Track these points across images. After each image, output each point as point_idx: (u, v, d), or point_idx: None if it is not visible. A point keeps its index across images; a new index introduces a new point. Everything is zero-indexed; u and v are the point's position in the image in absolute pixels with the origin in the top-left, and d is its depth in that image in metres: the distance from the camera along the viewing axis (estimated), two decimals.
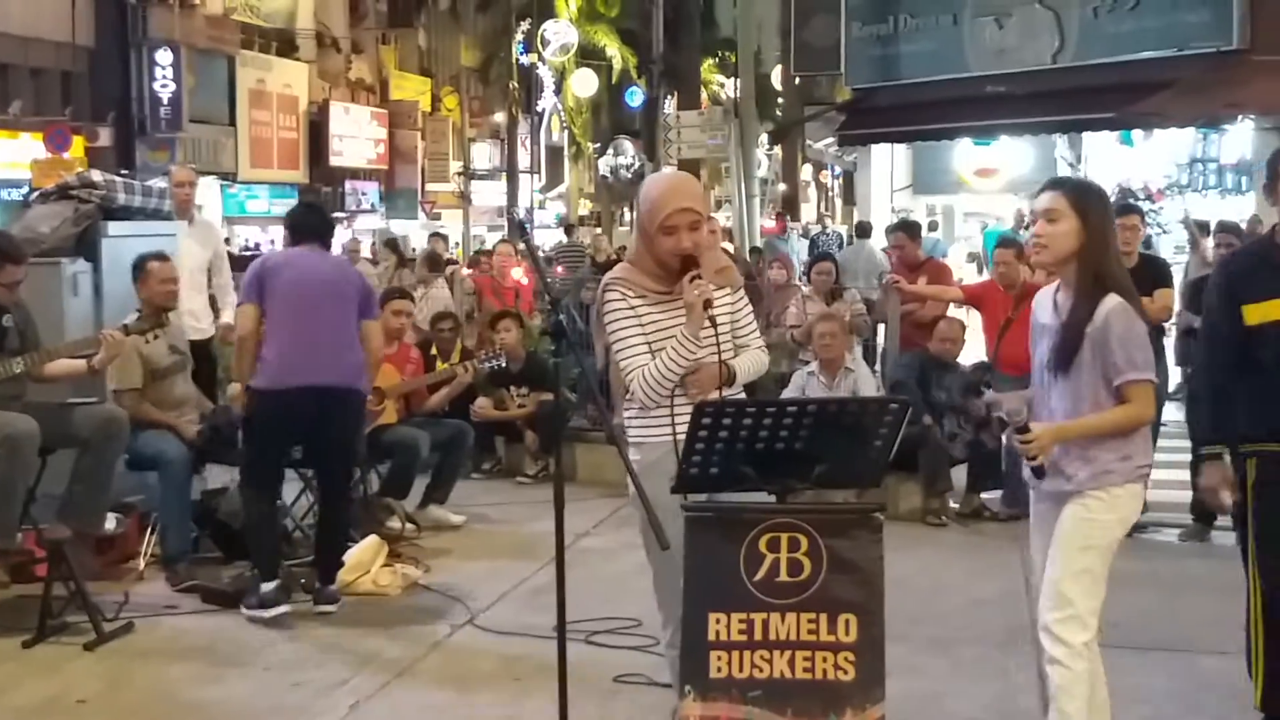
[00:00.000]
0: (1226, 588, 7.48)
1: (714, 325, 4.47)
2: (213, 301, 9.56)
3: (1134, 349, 4.36)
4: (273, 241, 39.40)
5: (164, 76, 29.28)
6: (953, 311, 10.37)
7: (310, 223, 7.37)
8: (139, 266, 7.67)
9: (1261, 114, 17.41)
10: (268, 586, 6.82)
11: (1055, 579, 4.46)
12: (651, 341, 4.58)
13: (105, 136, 26.56)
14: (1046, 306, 4.65)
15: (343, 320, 7.02)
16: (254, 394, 6.95)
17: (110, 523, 7.33)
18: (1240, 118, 18.07)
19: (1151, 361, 4.43)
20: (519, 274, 13.60)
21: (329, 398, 6.86)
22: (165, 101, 29.30)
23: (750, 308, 4.89)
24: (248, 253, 35.33)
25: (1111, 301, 4.37)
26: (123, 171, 14.07)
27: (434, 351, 10.01)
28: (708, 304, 4.45)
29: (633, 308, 4.63)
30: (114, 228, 8.31)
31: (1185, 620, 6.73)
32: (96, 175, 8.60)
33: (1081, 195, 4.53)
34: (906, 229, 11.65)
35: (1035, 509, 4.71)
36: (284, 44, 38.26)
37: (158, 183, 9.28)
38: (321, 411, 6.87)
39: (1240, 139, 22.31)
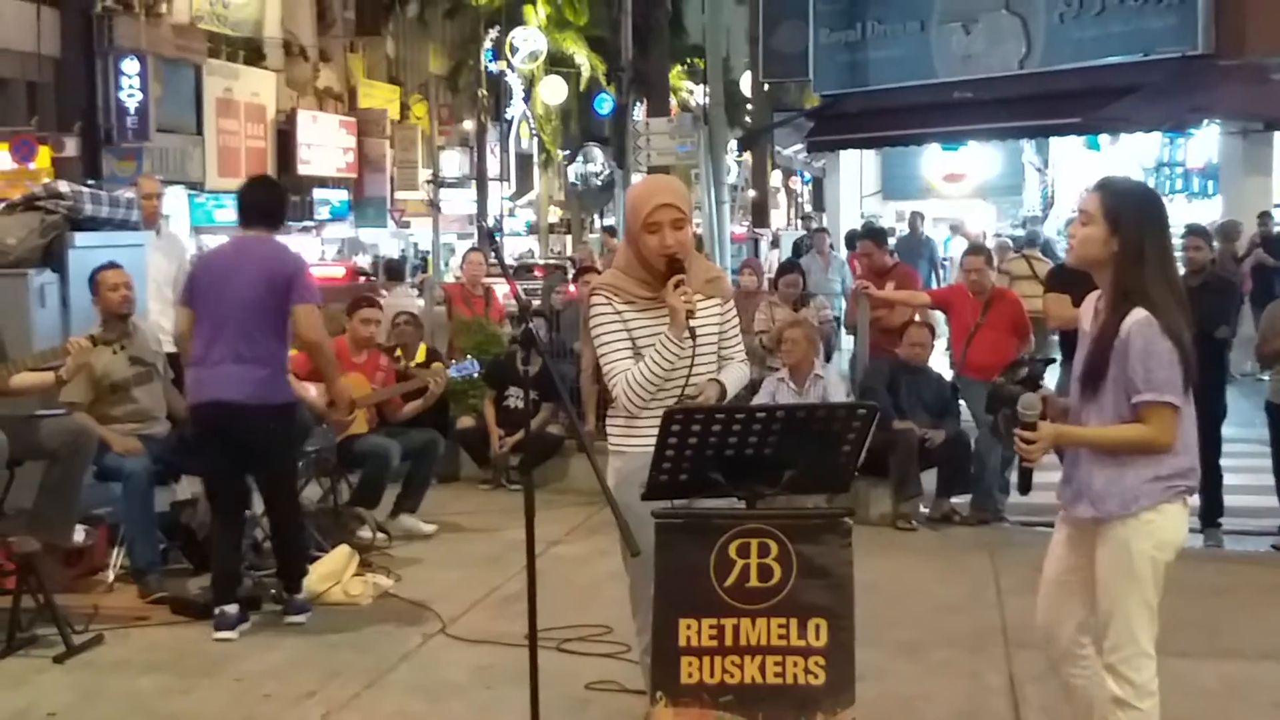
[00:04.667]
0: (1192, 589, 7.56)
1: (693, 336, 4.51)
2: None
3: (1154, 367, 4.09)
4: None
5: (130, 86, 29.20)
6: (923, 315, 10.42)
7: (255, 202, 7.01)
8: (91, 279, 7.63)
9: (1227, 118, 17.57)
10: (221, 609, 6.69)
11: (1113, 618, 4.25)
12: (639, 347, 4.60)
13: (71, 147, 26.49)
14: (1088, 314, 4.40)
15: (256, 328, 6.66)
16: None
17: (79, 535, 7.30)
18: (1206, 122, 18.24)
19: (1174, 383, 4.11)
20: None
21: (232, 412, 6.61)
22: (132, 111, 29.22)
23: (737, 320, 4.90)
24: None
25: (1137, 315, 4.11)
26: (89, 182, 14.03)
27: (398, 353, 10.03)
28: (690, 314, 4.48)
29: (618, 312, 4.64)
30: (81, 238, 8.28)
31: None
32: (63, 186, 8.57)
33: (1117, 199, 4.24)
34: (873, 236, 11.70)
35: (1060, 529, 4.49)
36: (251, 53, 38.17)
37: (125, 193, 9.24)
38: (231, 426, 6.66)
39: (1206, 143, 22.46)
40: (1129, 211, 4.21)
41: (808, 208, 55.03)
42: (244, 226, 6.94)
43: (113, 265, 7.72)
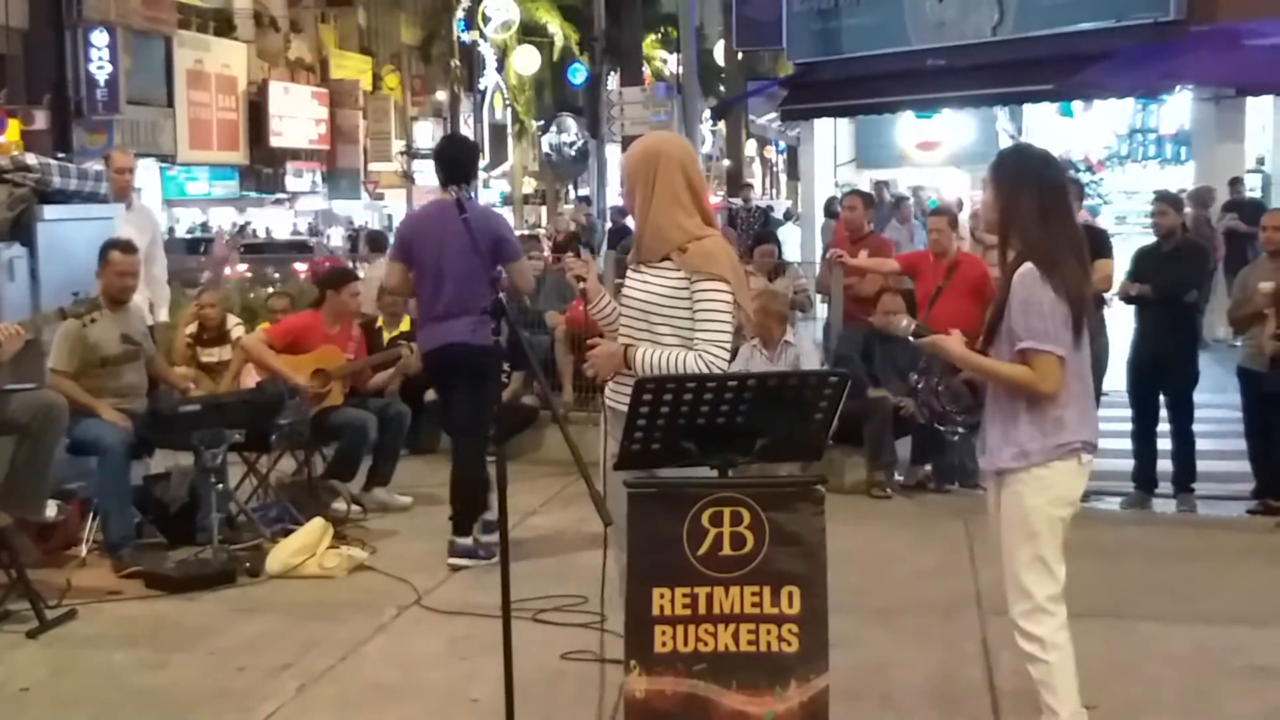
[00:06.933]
0: (1165, 554, 7.65)
1: (584, 297, 4.81)
2: None
3: (1033, 317, 4.22)
4: (216, 226, 39.04)
5: (100, 58, 29.02)
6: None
7: (451, 161, 7.51)
8: (103, 252, 7.65)
9: (1199, 84, 17.57)
10: (452, 539, 7.34)
11: (1010, 573, 4.40)
12: None
13: (41, 119, 26.32)
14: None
15: (470, 282, 7.17)
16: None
17: (51, 510, 7.28)
18: (1178, 88, 18.25)
19: (1056, 334, 4.22)
20: None
21: (456, 351, 7.21)
22: (102, 83, 29.04)
23: (717, 301, 4.52)
24: (190, 235, 35.18)
25: (1022, 268, 4.27)
26: (59, 155, 13.94)
27: (380, 324, 10.00)
28: (579, 278, 4.78)
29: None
30: (50, 211, 8.23)
31: (1123, 587, 6.82)
32: (31, 159, 8.51)
33: (997, 163, 4.48)
34: (862, 194, 11.76)
35: (989, 493, 4.61)
36: (221, 23, 37.95)
37: (94, 165, 9.18)
38: (454, 365, 7.28)
39: (1178, 109, 22.50)
40: (1005, 171, 4.42)
41: (783, 177, 55.01)
42: (444, 186, 7.49)
43: (128, 248, 7.73)
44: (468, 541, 7.33)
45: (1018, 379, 4.28)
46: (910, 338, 4.60)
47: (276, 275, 20.30)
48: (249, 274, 20.77)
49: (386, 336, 9.81)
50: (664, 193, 4.61)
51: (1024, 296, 4.24)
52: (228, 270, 21.55)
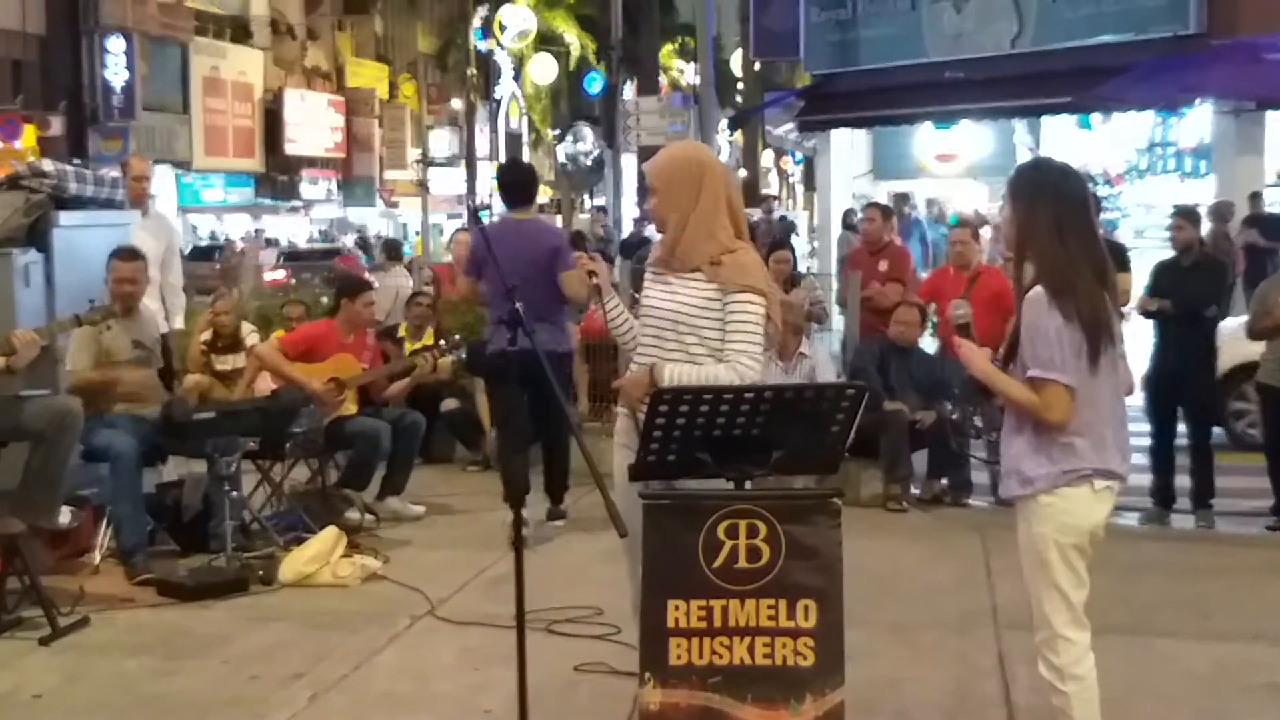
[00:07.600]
0: (1183, 571, 7.59)
1: (598, 295, 4.85)
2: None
3: (1040, 344, 4.09)
4: (223, 236, 39.06)
5: (116, 64, 29.12)
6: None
7: (514, 184, 8.56)
8: (108, 260, 7.69)
9: (1219, 98, 17.51)
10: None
11: (1030, 599, 4.30)
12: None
13: (57, 125, 26.42)
14: None
15: (536, 291, 7.47)
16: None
17: (65, 516, 7.26)
18: (1198, 101, 18.18)
19: (1064, 362, 4.08)
20: None
21: (522, 358, 7.21)
22: (118, 90, 29.15)
23: (750, 314, 4.54)
24: (205, 243, 35.24)
25: (1031, 292, 4.13)
26: (75, 161, 13.96)
27: (403, 333, 9.97)
28: (591, 274, 4.82)
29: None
30: (65, 218, 8.23)
31: (1141, 603, 6.76)
32: (47, 165, 8.52)
33: (1014, 177, 4.35)
34: (881, 207, 11.76)
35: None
36: (238, 31, 38.08)
37: (109, 172, 9.18)
38: (521, 370, 7.33)
39: (1198, 123, 22.42)
40: (1022, 186, 4.29)
41: (800, 188, 55.00)
42: (509, 206, 8.53)
43: (132, 255, 7.72)
44: (562, 507, 8.38)
45: (1025, 404, 4.16)
46: (957, 326, 4.54)
47: (316, 281, 20.43)
48: (290, 280, 20.92)
49: (409, 347, 9.77)
50: (707, 205, 4.61)
51: (1031, 322, 4.11)
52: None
